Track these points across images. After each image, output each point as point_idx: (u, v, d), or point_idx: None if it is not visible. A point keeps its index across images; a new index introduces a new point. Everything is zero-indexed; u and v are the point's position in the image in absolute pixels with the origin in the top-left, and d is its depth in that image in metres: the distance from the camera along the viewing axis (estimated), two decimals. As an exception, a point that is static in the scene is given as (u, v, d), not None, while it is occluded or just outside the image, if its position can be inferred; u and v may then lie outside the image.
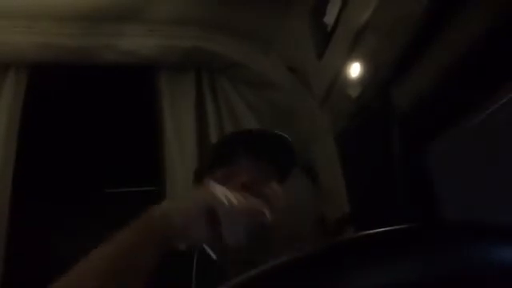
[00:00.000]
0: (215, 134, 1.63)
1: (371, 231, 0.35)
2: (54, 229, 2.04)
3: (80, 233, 2.04)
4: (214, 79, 1.72)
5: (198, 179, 0.98)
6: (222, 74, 1.72)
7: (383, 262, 0.32)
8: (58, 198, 2.11)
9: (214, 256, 0.84)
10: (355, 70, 1.25)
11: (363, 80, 1.24)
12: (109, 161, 2.21)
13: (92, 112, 2.02)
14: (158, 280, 0.62)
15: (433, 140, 1.15)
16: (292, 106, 1.61)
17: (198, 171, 1.01)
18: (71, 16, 1.46)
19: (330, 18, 1.26)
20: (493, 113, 1.00)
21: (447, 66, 1.03)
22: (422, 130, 1.16)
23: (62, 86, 1.83)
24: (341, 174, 1.40)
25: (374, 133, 1.24)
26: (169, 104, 1.67)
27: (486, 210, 1.01)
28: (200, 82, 1.71)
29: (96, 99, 1.97)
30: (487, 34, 0.90)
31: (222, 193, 0.64)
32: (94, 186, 2.26)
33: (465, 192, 1.10)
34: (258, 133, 0.99)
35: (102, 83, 1.84)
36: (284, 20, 1.47)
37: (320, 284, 0.31)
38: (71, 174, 2.18)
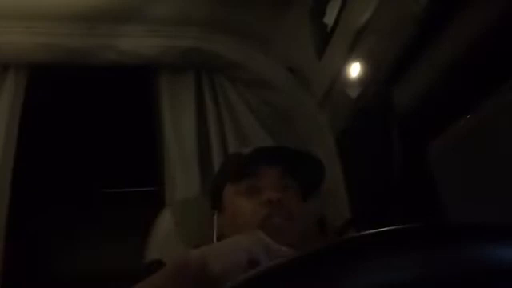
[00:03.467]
0: (215, 134, 1.63)
1: (371, 231, 0.35)
2: (54, 228, 2.04)
3: (79, 232, 2.04)
4: (213, 79, 1.72)
5: (217, 188, 0.97)
6: (222, 74, 1.71)
7: (383, 261, 0.32)
8: (57, 198, 2.11)
9: None
10: (355, 70, 1.25)
11: (363, 80, 1.24)
12: (108, 161, 2.21)
13: (92, 112, 2.02)
14: None
15: (433, 140, 1.15)
16: (292, 106, 1.61)
17: (218, 180, 0.99)
18: (71, 16, 1.45)
19: (329, 18, 1.26)
20: (493, 112, 1.00)
21: (447, 65, 1.03)
22: (422, 129, 1.16)
23: (61, 86, 1.83)
24: (341, 174, 1.40)
25: (374, 133, 1.24)
26: (169, 104, 1.66)
27: (487, 210, 1.01)
28: (200, 82, 1.71)
29: (96, 99, 1.97)
30: (486, 33, 0.90)
31: (266, 244, 0.61)
32: (93, 186, 2.25)
33: (465, 192, 1.10)
34: (285, 148, 0.98)
35: (101, 83, 1.84)
36: (284, 20, 1.47)
37: (320, 284, 0.31)
38: (70, 174, 2.18)
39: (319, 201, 1.49)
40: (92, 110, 2.01)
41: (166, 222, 1.17)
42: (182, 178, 1.57)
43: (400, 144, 1.17)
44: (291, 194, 0.91)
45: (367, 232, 0.34)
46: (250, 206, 0.87)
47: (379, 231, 0.35)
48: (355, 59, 1.24)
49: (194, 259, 0.62)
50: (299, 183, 0.94)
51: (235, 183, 0.92)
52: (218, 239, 0.91)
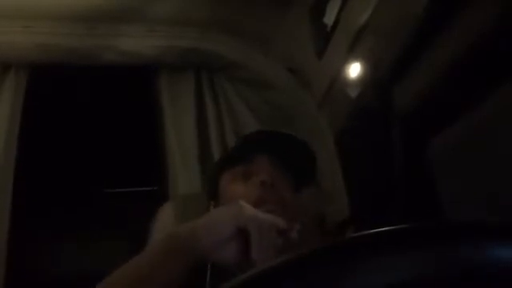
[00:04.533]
0: (215, 134, 1.64)
1: (370, 231, 0.35)
2: (55, 228, 2.04)
3: (81, 232, 2.04)
4: (213, 79, 1.72)
5: (216, 175, 0.97)
6: (222, 74, 1.72)
7: (382, 261, 0.32)
8: (59, 198, 2.11)
9: None
10: (355, 70, 1.25)
11: (363, 80, 1.24)
12: (109, 161, 2.21)
13: (92, 112, 2.02)
14: None
15: (433, 140, 1.16)
16: (292, 106, 1.61)
17: (216, 167, 1.00)
18: (71, 16, 1.46)
19: (329, 18, 1.26)
20: (493, 112, 1.00)
21: (447, 65, 1.03)
22: (421, 129, 1.17)
23: (62, 87, 1.83)
24: (341, 174, 1.40)
25: (374, 133, 1.24)
26: (169, 104, 1.67)
27: (486, 210, 1.01)
28: (200, 82, 1.71)
29: (96, 99, 1.97)
30: (487, 33, 0.90)
31: (252, 211, 0.61)
32: (94, 186, 2.25)
33: (465, 191, 1.10)
34: (282, 136, 0.98)
35: (102, 83, 1.84)
36: (284, 20, 1.47)
37: (318, 284, 0.31)
38: (72, 174, 2.18)
39: (319, 199, 1.50)
40: (93, 110, 2.01)
41: (166, 216, 1.17)
42: (184, 176, 1.58)
43: (400, 144, 1.17)
44: (283, 181, 0.91)
45: (366, 232, 0.35)
46: (242, 188, 0.87)
47: (378, 231, 0.35)
48: (355, 59, 1.24)
49: (183, 233, 0.62)
50: (291, 173, 0.94)
51: (230, 169, 0.92)
52: None
